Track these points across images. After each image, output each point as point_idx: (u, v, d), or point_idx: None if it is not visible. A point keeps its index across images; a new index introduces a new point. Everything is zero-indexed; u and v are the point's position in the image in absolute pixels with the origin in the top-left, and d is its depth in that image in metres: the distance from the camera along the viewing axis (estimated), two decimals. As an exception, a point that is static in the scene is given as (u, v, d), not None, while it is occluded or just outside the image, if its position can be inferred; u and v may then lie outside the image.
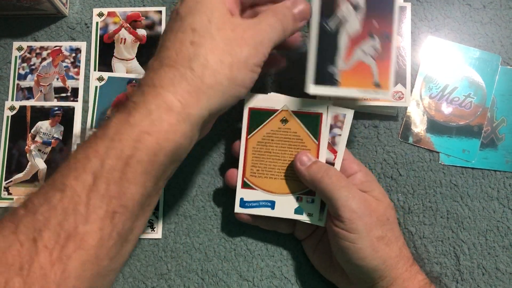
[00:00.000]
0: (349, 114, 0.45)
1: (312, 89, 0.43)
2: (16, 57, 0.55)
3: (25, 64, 0.55)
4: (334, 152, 0.45)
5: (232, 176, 0.46)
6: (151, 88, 0.33)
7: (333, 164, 0.44)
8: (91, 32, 0.56)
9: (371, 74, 0.44)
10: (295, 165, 0.44)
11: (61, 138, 0.53)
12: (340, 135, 0.45)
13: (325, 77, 0.44)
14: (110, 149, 0.32)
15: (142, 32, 0.55)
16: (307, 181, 0.43)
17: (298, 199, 0.45)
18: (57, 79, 0.55)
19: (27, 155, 0.53)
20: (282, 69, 0.46)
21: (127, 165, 0.31)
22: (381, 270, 0.41)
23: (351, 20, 0.44)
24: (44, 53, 0.55)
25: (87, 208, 0.31)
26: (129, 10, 0.56)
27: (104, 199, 0.31)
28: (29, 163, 0.53)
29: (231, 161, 0.51)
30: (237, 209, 0.46)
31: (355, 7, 0.43)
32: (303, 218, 0.45)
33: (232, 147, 0.47)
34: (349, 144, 0.52)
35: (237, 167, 0.46)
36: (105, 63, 0.55)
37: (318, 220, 0.45)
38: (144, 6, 0.56)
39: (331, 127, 0.45)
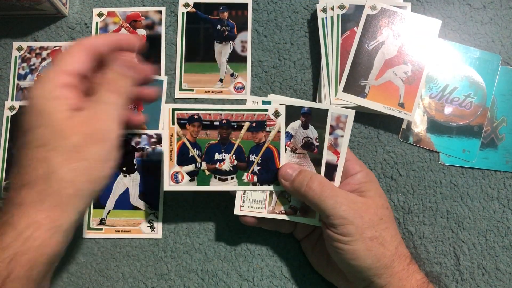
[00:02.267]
0: (351, 115, 0.45)
1: (341, 95, 0.49)
2: (16, 57, 0.55)
3: (25, 64, 0.55)
4: (337, 153, 0.45)
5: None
6: (17, 208, 0.34)
7: (335, 166, 0.45)
8: (91, 32, 0.56)
9: (398, 94, 0.49)
10: (279, 181, 0.45)
11: (61, 138, 0.53)
12: (342, 136, 0.45)
13: (355, 87, 0.50)
14: None
15: (142, 32, 0.55)
16: (293, 194, 0.44)
17: None
18: (57, 79, 0.55)
19: (27, 155, 0.53)
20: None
21: (3, 285, 0.33)
22: (376, 268, 0.41)
23: (389, 44, 0.50)
24: (44, 53, 0.55)
25: None
26: (129, 10, 0.56)
27: None
28: (29, 163, 0.53)
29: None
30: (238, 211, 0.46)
31: (395, 36, 0.49)
32: (301, 219, 0.45)
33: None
34: (350, 144, 0.52)
35: None
36: (105, 63, 0.55)
37: (317, 221, 0.45)
38: (144, 6, 0.56)
39: (333, 128, 0.45)
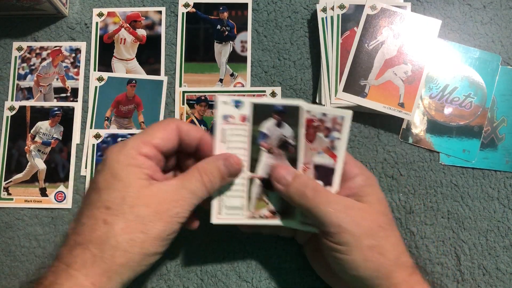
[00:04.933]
0: (348, 116, 0.42)
1: (341, 95, 0.50)
2: (16, 57, 0.55)
3: (25, 64, 0.55)
4: (334, 156, 0.43)
5: None
6: (64, 268, 0.35)
7: (333, 170, 0.43)
8: (91, 32, 0.56)
9: (398, 94, 0.49)
10: (273, 184, 0.42)
11: (60, 138, 0.53)
12: (339, 138, 0.42)
13: (355, 87, 0.50)
14: None
15: (142, 32, 0.55)
16: (287, 200, 0.42)
17: None
18: (57, 79, 0.55)
19: (27, 155, 0.53)
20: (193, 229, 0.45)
21: None
22: (374, 278, 0.39)
23: (389, 44, 0.50)
24: (44, 53, 0.55)
25: None
26: (129, 10, 0.56)
27: None
28: (29, 163, 0.53)
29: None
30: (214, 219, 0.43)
31: (395, 35, 0.49)
32: (281, 222, 0.43)
33: None
34: (350, 143, 0.52)
35: None
36: (105, 63, 0.55)
37: (298, 223, 0.43)
38: (144, 6, 0.56)
39: (329, 131, 0.43)
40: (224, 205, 0.43)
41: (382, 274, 0.39)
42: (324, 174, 0.43)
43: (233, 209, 0.43)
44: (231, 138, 0.42)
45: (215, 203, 0.43)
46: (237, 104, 0.42)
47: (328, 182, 0.43)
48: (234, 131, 0.42)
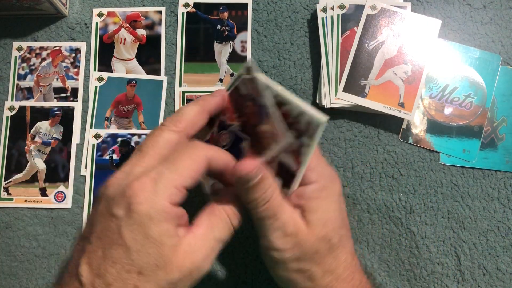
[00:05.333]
0: (322, 124, 0.35)
1: (341, 95, 0.50)
2: (15, 57, 0.55)
3: (25, 64, 0.55)
4: (298, 162, 0.37)
5: None
6: None
7: (293, 174, 0.38)
8: (90, 32, 0.56)
9: (398, 94, 0.50)
10: (236, 178, 0.37)
11: (60, 138, 0.53)
12: (308, 145, 0.36)
13: (355, 87, 0.50)
14: None
15: (141, 32, 0.55)
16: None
17: None
18: (57, 79, 0.55)
19: (27, 155, 0.53)
20: None
21: None
22: None
23: (389, 44, 0.50)
24: (44, 53, 0.55)
25: None
26: (129, 10, 0.56)
27: None
28: (29, 163, 0.53)
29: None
30: None
31: (395, 35, 0.49)
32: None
33: None
34: (350, 143, 0.52)
35: None
36: (105, 63, 0.55)
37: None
38: (144, 6, 0.56)
39: (301, 134, 0.36)
40: None
41: None
42: (286, 174, 0.38)
43: None
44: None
45: None
46: None
47: (287, 184, 0.39)
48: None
